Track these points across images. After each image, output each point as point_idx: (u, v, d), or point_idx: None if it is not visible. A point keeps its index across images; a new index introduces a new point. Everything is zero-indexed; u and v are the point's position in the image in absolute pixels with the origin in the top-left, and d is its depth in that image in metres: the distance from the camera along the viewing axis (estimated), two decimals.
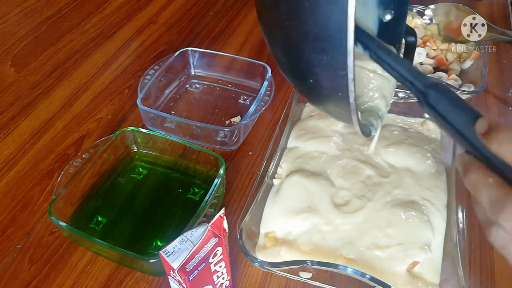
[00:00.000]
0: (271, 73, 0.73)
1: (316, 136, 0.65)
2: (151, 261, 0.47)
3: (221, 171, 0.56)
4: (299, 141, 0.65)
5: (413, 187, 0.58)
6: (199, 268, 0.40)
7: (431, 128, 0.68)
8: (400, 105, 0.69)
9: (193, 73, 0.82)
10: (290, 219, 0.54)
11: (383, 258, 0.50)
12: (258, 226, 0.55)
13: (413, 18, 0.88)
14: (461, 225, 0.52)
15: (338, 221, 0.54)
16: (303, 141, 0.64)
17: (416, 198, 0.57)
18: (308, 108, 0.72)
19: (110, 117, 0.73)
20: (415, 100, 0.71)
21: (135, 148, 0.66)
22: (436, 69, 0.80)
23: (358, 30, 0.35)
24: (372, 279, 0.46)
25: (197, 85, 0.80)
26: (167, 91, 0.77)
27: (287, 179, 0.59)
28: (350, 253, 0.51)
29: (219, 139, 0.66)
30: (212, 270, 0.43)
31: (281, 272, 0.50)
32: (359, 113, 0.40)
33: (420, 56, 0.80)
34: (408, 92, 0.68)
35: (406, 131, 0.64)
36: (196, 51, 0.80)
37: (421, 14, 0.90)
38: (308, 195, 0.56)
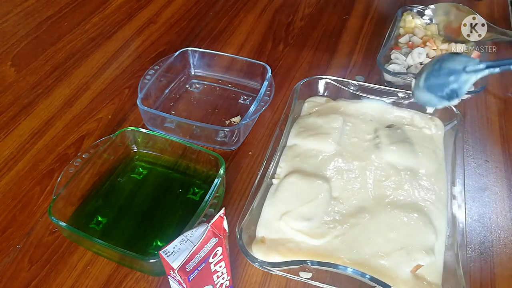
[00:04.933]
0: (271, 73, 0.73)
1: (315, 133, 0.64)
2: (151, 261, 0.47)
3: (221, 171, 0.56)
4: (299, 139, 0.64)
5: (415, 188, 0.57)
6: (199, 268, 0.40)
7: (438, 124, 0.67)
8: (402, 105, 0.69)
9: (193, 73, 0.82)
10: (285, 222, 0.54)
11: (386, 265, 0.50)
12: (257, 226, 0.55)
13: (413, 18, 0.88)
14: (461, 225, 0.52)
15: (331, 225, 0.53)
16: (302, 139, 0.64)
17: (418, 199, 0.56)
18: (308, 104, 0.72)
19: (110, 117, 0.73)
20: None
21: (135, 148, 0.66)
22: None
23: None
24: (372, 279, 0.45)
25: (197, 85, 0.80)
26: (167, 91, 0.77)
27: (284, 180, 0.58)
28: (350, 258, 0.50)
29: (219, 139, 0.66)
30: (212, 270, 0.43)
31: (281, 272, 0.50)
32: None
33: (420, 56, 0.79)
34: (408, 92, 0.69)
35: (409, 130, 0.64)
36: (196, 51, 0.80)
37: (421, 14, 0.90)
38: (303, 197, 0.56)
